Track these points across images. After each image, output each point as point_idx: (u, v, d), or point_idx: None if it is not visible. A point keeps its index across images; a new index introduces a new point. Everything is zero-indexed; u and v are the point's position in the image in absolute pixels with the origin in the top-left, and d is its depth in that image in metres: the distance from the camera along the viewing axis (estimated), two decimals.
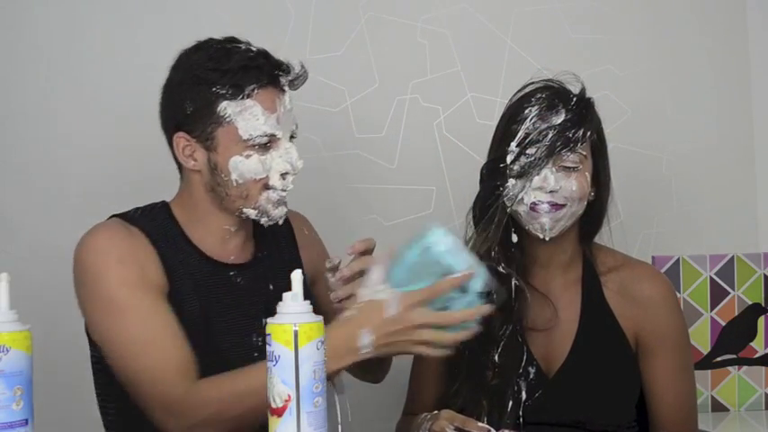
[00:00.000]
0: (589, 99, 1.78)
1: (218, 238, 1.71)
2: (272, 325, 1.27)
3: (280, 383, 1.26)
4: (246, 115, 1.63)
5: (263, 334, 1.63)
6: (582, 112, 1.74)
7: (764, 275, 2.25)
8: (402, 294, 1.48)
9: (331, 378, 1.54)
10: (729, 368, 2.25)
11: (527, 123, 1.72)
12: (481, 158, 1.81)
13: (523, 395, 1.72)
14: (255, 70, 1.64)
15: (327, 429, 1.29)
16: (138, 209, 1.73)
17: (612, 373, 1.75)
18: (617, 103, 2.43)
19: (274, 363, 1.26)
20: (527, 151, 1.71)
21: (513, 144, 1.72)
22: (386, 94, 2.38)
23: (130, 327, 1.59)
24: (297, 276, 1.31)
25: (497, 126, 1.79)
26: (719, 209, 2.51)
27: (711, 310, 2.24)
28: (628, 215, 2.24)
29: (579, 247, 1.81)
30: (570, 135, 1.71)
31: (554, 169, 1.71)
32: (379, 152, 2.38)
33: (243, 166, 1.63)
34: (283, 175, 1.66)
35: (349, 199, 2.36)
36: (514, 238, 1.77)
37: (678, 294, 2.19)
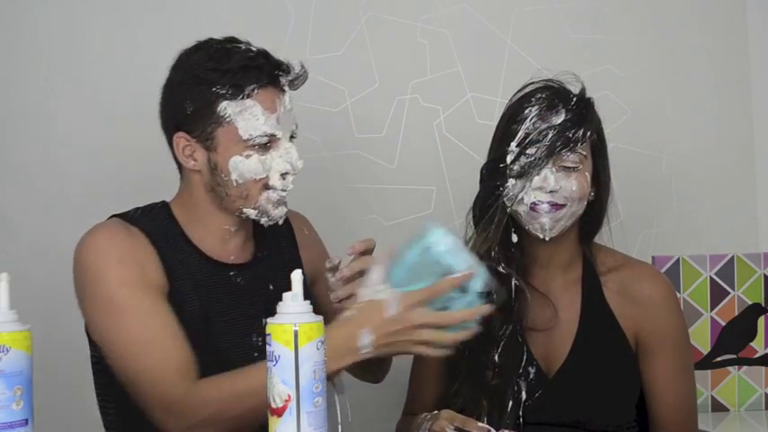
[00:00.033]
0: (589, 99, 1.78)
1: (218, 238, 1.71)
2: (272, 325, 1.28)
3: (280, 383, 1.26)
4: (246, 115, 1.63)
5: (263, 334, 1.63)
6: (582, 112, 1.74)
7: (764, 275, 2.25)
8: (402, 294, 1.48)
9: (331, 378, 1.54)
10: (729, 368, 2.25)
11: (527, 123, 1.72)
12: (481, 158, 1.81)
13: (523, 395, 1.72)
14: (255, 70, 1.64)
15: (327, 429, 1.29)
16: (137, 209, 1.73)
17: (612, 373, 1.75)
18: (617, 103, 2.43)
19: (274, 363, 1.26)
20: (527, 151, 1.71)
21: (513, 144, 1.72)
22: (386, 94, 2.38)
23: (130, 327, 1.59)
24: (297, 276, 1.31)
25: (497, 126, 1.79)
26: (719, 209, 2.51)
27: (711, 310, 2.24)
28: (628, 215, 2.24)
29: (579, 247, 1.81)
30: (570, 135, 1.71)
31: (554, 169, 1.71)
32: (379, 152, 2.38)
33: (243, 166, 1.63)
34: (283, 175, 1.66)
35: (349, 199, 2.36)
36: (514, 238, 1.77)
37: (678, 294, 2.19)
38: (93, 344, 1.68)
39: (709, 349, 2.24)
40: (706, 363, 2.24)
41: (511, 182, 1.72)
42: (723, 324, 2.24)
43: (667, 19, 2.50)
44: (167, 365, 1.57)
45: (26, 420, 1.24)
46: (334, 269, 1.61)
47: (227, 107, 1.63)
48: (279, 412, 1.26)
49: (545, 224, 1.72)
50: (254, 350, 1.66)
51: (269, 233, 1.76)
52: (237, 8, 2.31)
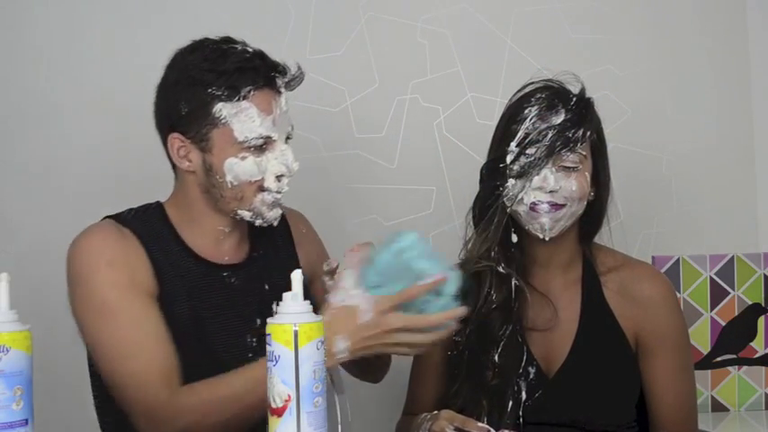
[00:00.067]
0: (589, 99, 1.78)
1: (212, 239, 1.71)
2: (272, 325, 1.28)
3: (280, 383, 1.26)
4: (242, 117, 1.62)
5: (257, 334, 1.64)
6: (582, 112, 1.74)
7: (764, 275, 2.25)
8: (376, 299, 1.48)
9: (332, 378, 1.54)
10: (729, 368, 2.25)
11: (527, 123, 1.72)
12: (481, 158, 1.81)
13: (523, 395, 1.72)
14: (251, 72, 1.63)
15: (327, 429, 1.30)
16: (131, 209, 1.72)
17: (612, 373, 1.75)
18: (617, 103, 2.43)
19: (274, 363, 1.26)
20: (527, 151, 1.71)
21: (513, 144, 1.72)
22: (386, 94, 2.38)
23: (117, 331, 1.59)
24: (297, 276, 1.31)
25: (497, 126, 1.79)
26: (719, 209, 2.51)
27: (711, 310, 2.24)
28: (628, 215, 2.24)
29: (579, 247, 1.81)
30: (570, 135, 1.71)
31: (554, 169, 1.71)
32: (379, 152, 2.38)
33: (238, 168, 1.63)
34: (279, 177, 1.65)
35: (349, 199, 2.36)
36: (514, 238, 1.77)
37: (678, 294, 2.20)
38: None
39: (709, 349, 2.24)
40: (706, 363, 2.24)
41: (511, 182, 1.72)
42: (723, 324, 2.24)
43: (667, 19, 2.50)
44: (151, 372, 1.57)
45: (26, 420, 1.24)
46: (332, 272, 1.60)
47: (222, 109, 1.62)
48: (279, 412, 1.26)
49: (545, 224, 1.72)
50: (248, 351, 1.65)
51: (265, 232, 1.75)
52: (237, 8, 2.31)
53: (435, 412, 1.62)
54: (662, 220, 2.48)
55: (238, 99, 1.62)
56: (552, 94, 1.74)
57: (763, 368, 2.25)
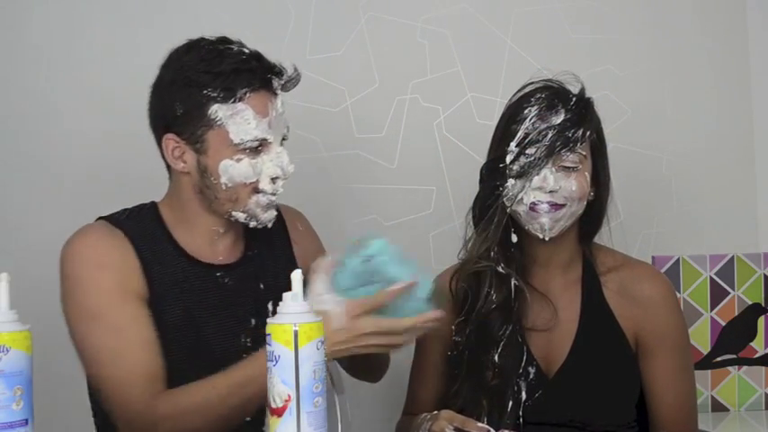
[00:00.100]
0: (588, 99, 1.78)
1: (206, 239, 1.70)
2: (272, 325, 1.28)
3: (280, 383, 1.26)
4: (238, 119, 1.61)
5: (251, 335, 1.64)
6: (581, 112, 1.74)
7: (764, 275, 2.25)
8: (348, 304, 1.47)
9: (332, 378, 1.55)
10: (729, 368, 2.25)
11: (526, 123, 1.72)
12: (481, 158, 1.81)
13: (523, 395, 1.72)
14: (248, 73, 1.62)
15: (327, 429, 1.30)
16: (125, 210, 1.72)
17: (612, 373, 1.75)
18: (617, 103, 2.43)
19: (274, 363, 1.26)
20: (526, 151, 1.71)
21: (513, 144, 1.72)
22: (386, 94, 2.38)
23: (102, 337, 1.59)
24: (297, 276, 1.31)
25: (497, 126, 1.79)
26: (719, 209, 2.51)
27: (711, 310, 2.24)
28: (628, 215, 2.24)
29: (579, 247, 1.81)
30: (570, 135, 1.71)
31: (553, 169, 1.71)
32: (379, 152, 2.38)
33: (233, 170, 1.62)
34: (273, 179, 1.64)
35: (349, 199, 2.36)
36: (514, 238, 1.77)
37: (678, 294, 2.20)
38: None
39: (709, 349, 2.24)
40: (706, 363, 2.24)
41: (510, 182, 1.72)
42: (723, 324, 2.24)
43: (667, 19, 2.50)
44: (132, 379, 1.57)
45: (26, 420, 1.24)
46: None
47: (218, 110, 1.61)
48: (279, 412, 1.26)
49: (545, 224, 1.72)
50: (242, 351, 1.64)
51: (261, 231, 1.73)
52: (237, 8, 2.31)
53: (435, 412, 1.62)
54: (662, 220, 2.48)
55: (234, 101, 1.61)
56: (552, 94, 1.74)
57: (763, 368, 2.25)
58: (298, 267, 1.73)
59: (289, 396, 1.25)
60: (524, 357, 1.74)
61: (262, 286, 1.71)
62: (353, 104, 2.36)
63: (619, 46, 2.46)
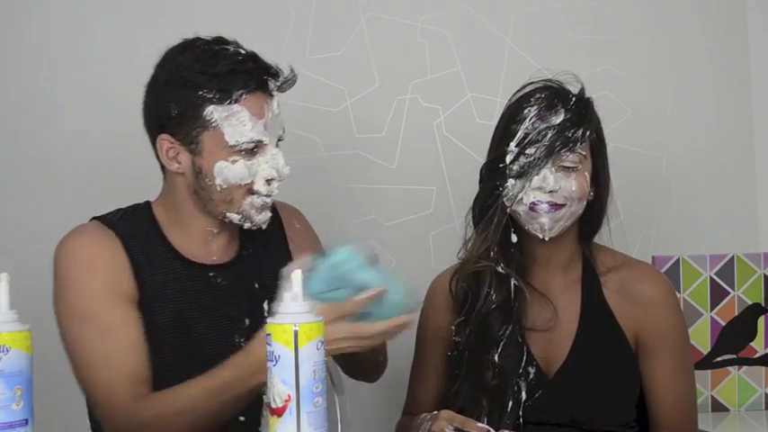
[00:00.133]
0: (588, 99, 1.78)
1: (200, 240, 1.69)
2: (272, 325, 1.28)
3: (280, 383, 1.26)
4: (233, 121, 1.60)
5: (245, 335, 1.64)
6: (581, 112, 1.74)
7: (764, 275, 2.25)
8: (319, 309, 1.45)
9: (332, 378, 1.55)
10: (729, 368, 2.25)
11: (526, 123, 1.72)
12: (481, 158, 1.81)
13: (523, 395, 1.72)
14: (244, 74, 1.61)
15: (327, 429, 1.30)
16: (119, 210, 1.71)
17: (612, 373, 1.75)
18: (617, 103, 2.43)
19: (274, 363, 1.26)
20: (526, 151, 1.71)
21: (513, 144, 1.72)
22: (386, 94, 2.38)
23: (89, 340, 1.60)
24: (297, 276, 1.31)
25: (497, 126, 1.78)
26: (719, 209, 2.51)
27: (711, 310, 2.24)
28: (628, 215, 2.24)
29: (579, 247, 1.81)
30: (569, 135, 1.71)
31: (553, 169, 1.71)
32: (379, 152, 2.38)
33: (228, 171, 1.61)
34: (269, 181, 1.64)
35: (349, 199, 2.36)
36: (514, 238, 1.77)
37: (678, 294, 2.20)
38: None
39: (709, 349, 2.24)
40: (706, 363, 2.24)
41: (510, 182, 1.72)
42: (723, 324, 2.24)
43: (667, 19, 2.50)
44: (117, 384, 1.57)
45: (26, 420, 1.24)
46: None
47: (213, 112, 1.60)
48: (279, 412, 1.26)
49: (544, 224, 1.72)
50: (236, 351, 1.61)
51: (256, 230, 1.72)
52: (237, 8, 2.31)
53: (435, 412, 1.62)
54: (662, 220, 2.48)
55: (230, 102, 1.60)
56: (552, 94, 1.74)
57: (763, 368, 2.25)
58: None
59: (289, 396, 1.25)
60: (524, 357, 1.74)
61: (257, 286, 1.70)
62: (353, 104, 2.36)
63: (619, 46, 2.46)
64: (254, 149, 1.62)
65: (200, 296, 1.67)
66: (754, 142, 2.53)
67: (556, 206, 1.71)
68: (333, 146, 2.35)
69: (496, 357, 1.73)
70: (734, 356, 2.25)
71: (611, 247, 1.85)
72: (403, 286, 1.50)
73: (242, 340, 1.64)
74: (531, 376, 1.74)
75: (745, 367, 2.25)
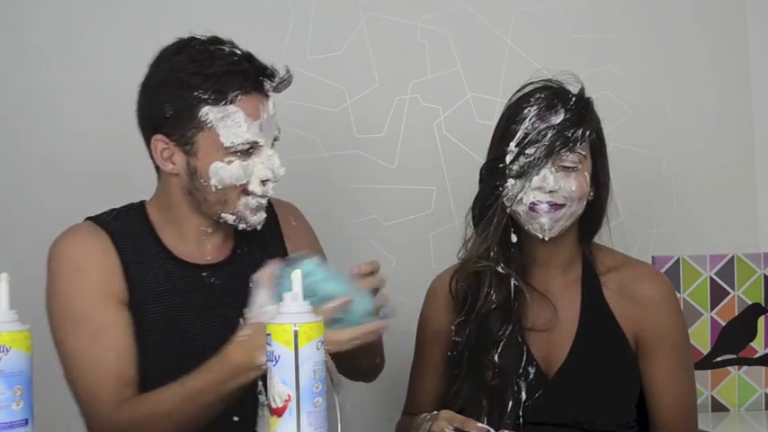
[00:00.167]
0: (588, 99, 1.78)
1: (194, 240, 1.69)
2: (272, 325, 1.28)
3: (280, 383, 1.26)
4: (229, 122, 1.59)
5: None
6: (581, 112, 1.74)
7: (764, 275, 2.25)
8: None
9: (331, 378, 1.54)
10: (729, 368, 2.25)
11: (526, 123, 1.72)
12: (481, 158, 1.81)
13: (523, 395, 1.72)
14: (239, 75, 1.60)
15: (327, 429, 1.30)
16: (114, 210, 1.71)
17: (612, 373, 1.75)
18: (617, 103, 2.43)
19: (274, 363, 1.26)
20: (526, 151, 1.71)
21: (513, 144, 1.72)
22: (386, 94, 2.38)
23: (77, 342, 1.60)
24: (297, 276, 1.31)
25: (496, 126, 1.78)
26: (719, 209, 2.51)
27: (711, 310, 2.24)
28: (628, 215, 2.24)
29: (579, 247, 1.81)
30: (569, 135, 1.71)
31: (553, 169, 1.71)
32: (379, 152, 2.38)
33: (223, 172, 1.61)
34: (264, 182, 1.63)
35: (349, 199, 2.36)
36: (514, 238, 1.77)
37: (678, 294, 2.20)
38: None
39: (709, 349, 2.24)
40: (706, 363, 2.24)
41: (510, 182, 1.72)
42: (723, 324, 2.24)
43: (667, 19, 2.50)
44: (102, 387, 1.58)
45: (26, 420, 1.24)
46: None
47: (208, 113, 1.59)
48: (279, 412, 1.26)
49: (544, 224, 1.72)
50: None
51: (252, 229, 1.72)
52: (237, 8, 2.31)
53: (435, 412, 1.62)
54: (662, 220, 2.49)
55: (225, 103, 1.59)
56: (551, 94, 1.74)
57: (763, 368, 2.25)
58: None
59: (289, 396, 1.25)
60: (524, 357, 1.74)
61: (251, 285, 1.69)
62: (353, 104, 2.36)
63: (619, 46, 2.46)
64: (249, 150, 1.61)
65: (193, 296, 1.67)
66: (754, 142, 2.53)
67: (556, 206, 1.71)
68: (333, 146, 2.35)
69: (496, 357, 1.73)
70: (734, 356, 2.25)
71: (611, 247, 1.85)
72: (368, 296, 1.49)
73: None
74: (531, 376, 1.74)
75: (745, 367, 2.25)
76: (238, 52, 1.63)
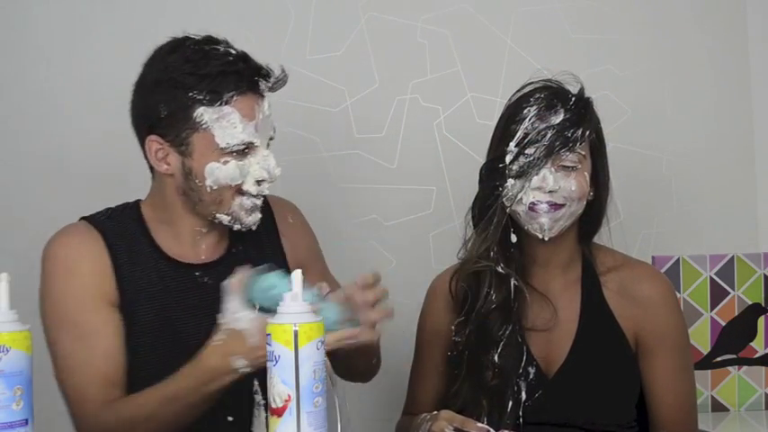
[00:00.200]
0: (588, 99, 1.78)
1: (188, 240, 1.68)
2: (272, 325, 1.28)
3: (280, 383, 1.26)
4: (224, 123, 1.59)
5: None
6: (581, 112, 1.74)
7: (764, 275, 2.25)
8: (260, 322, 1.43)
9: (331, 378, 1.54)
10: (729, 368, 2.25)
11: (526, 123, 1.72)
12: (481, 158, 1.81)
13: (523, 395, 1.72)
14: (234, 75, 1.59)
15: (327, 429, 1.30)
16: (108, 209, 1.71)
17: (612, 373, 1.75)
18: (617, 103, 2.43)
19: (274, 363, 1.26)
20: (526, 151, 1.71)
21: (512, 144, 1.72)
22: (386, 94, 2.38)
23: (67, 343, 1.60)
24: (297, 276, 1.31)
25: (496, 126, 1.78)
26: (719, 209, 2.51)
27: (711, 310, 2.24)
28: (628, 215, 2.24)
29: (578, 247, 1.81)
30: (569, 135, 1.71)
31: (553, 169, 1.71)
32: (379, 152, 2.38)
33: (219, 173, 1.60)
34: (259, 182, 1.63)
35: (349, 199, 2.36)
36: (513, 238, 1.77)
37: (678, 294, 2.20)
38: None
39: (709, 349, 2.24)
40: (706, 363, 2.24)
41: (510, 182, 1.72)
42: (723, 324, 2.24)
43: (667, 19, 2.50)
44: (89, 388, 1.58)
45: (26, 420, 1.24)
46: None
47: (203, 113, 1.59)
48: (279, 412, 1.26)
49: (544, 224, 1.72)
50: None
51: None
52: (237, 8, 2.31)
53: (435, 412, 1.62)
54: (662, 220, 2.48)
55: (220, 104, 1.59)
56: (551, 94, 1.74)
57: (763, 368, 2.25)
58: (286, 261, 1.73)
59: (289, 396, 1.25)
60: (524, 357, 1.74)
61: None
62: (353, 104, 2.36)
63: (619, 46, 2.46)
64: (245, 150, 1.61)
65: (186, 296, 1.67)
66: (754, 142, 2.53)
67: (555, 206, 1.71)
68: (333, 146, 2.35)
69: (496, 357, 1.73)
70: (734, 356, 2.25)
71: (611, 247, 1.85)
72: (336, 307, 1.49)
73: None
74: (530, 376, 1.74)
75: (745, 367, 2.25)
76: (233, 52, 1.62)
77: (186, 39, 1.63)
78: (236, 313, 1.47)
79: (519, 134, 1.72)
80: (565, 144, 1.70)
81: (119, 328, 1.62)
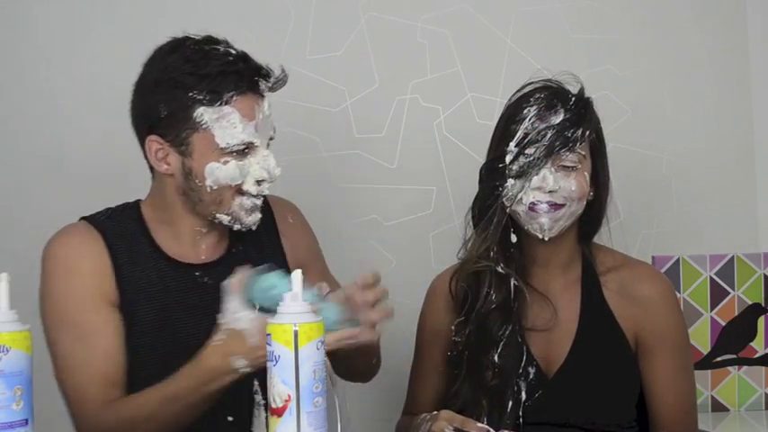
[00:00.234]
0: (588, 99, 1.78)
1: (188, 239, 1.68)
2: (273, 325, 1.28)
3: (280, 383, 1.26)
4: (224, 123, 1.59)
5: None
6: (581, 112, 1.74)
7: (764, 275, 2.25)
8: (261, 321, 1.43)
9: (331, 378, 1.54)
10: (729, 368, 2.25)
11: (526, 123, 1.72)
12: (481, 158, 1.81)
13: (523, 395, 1.72)
14: (234, 75, 1.59)
15: (327, 429, 1.30)
16: (108, 209, 1.71)
17: (612, 373, 1.75)
18: (617, 103, 2.43)
19: (274, 363, 1.26)
20: (526, 151, 1.71)
21: (512, 144, 1.72)
22: (386, 94, 2.38)
23: (67, 343, 1.60)
24: (297, 276, 1.31)
25: (496, 126, 1.79)
26: (719, 209, 2.51)
27: (711, 310, 2.24)
28: (628, 215, 2.24)
29: (578, 247, 1.81)
30: (569, 135, 1.71)
31: (553, 169, 1.71)
32: (379, 152, 2.38)
33: (219, 173, 1.60)
34: (259, 182, 1.63)
35: (349, 199, 2.36)
36: (513, 238, 1.77)
37: (678, 294, 2.20)
38: None
39: (709, 349, 2.24)
40: (706, 363, 2.24)
41: (510, 182, 1.72)
42: (723, 324, 2.24)
43: (667, 19, 2.50)
44: (88, 389, 1.58)
45: (26, 420, 1.24)
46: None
47: (203, 113, 1.59)
48: (279, 412, 1.26)
49: (544, 224, 1.72)
50: None
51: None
52: (237, 8, 2.31)
53: (435, 412, 1.62)
54: (662, 220, 2.49)
55: (220, 104, 1.59)
56: (551, 94, 1.74)
57: (763, 368, 2.25)
58: (286, 261, 1.73)
59: (289, 396, 1.25)
60: (524, 357, 1.74)
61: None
62: (353, 104, 2.36)
63: (619, 46, 2.46)
64: (245, 150, 1.61)
65: (186, 296, 1.67)
66: (754, 142, 2.53)
67: (555, 206, 1.71)
68: (333, 146, 2.35)
69: (496, 357, 1.73)
70: (734, 356, 2.25)
71: (610, 247, 1.85)
72: (336, 307, 1.49)
73: None
74: (530, 376, 1.74)
75: (745, 367, 2.25)
76: (233, 52, 1.62)
77: (186, 39, 1.63)
78: (236, 313, 1.48)
79: (519, 134, 1.72)
80: (565, 144, 1.70)
81: (119, 328, 1.62)
